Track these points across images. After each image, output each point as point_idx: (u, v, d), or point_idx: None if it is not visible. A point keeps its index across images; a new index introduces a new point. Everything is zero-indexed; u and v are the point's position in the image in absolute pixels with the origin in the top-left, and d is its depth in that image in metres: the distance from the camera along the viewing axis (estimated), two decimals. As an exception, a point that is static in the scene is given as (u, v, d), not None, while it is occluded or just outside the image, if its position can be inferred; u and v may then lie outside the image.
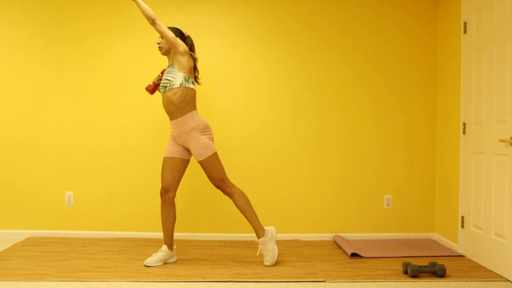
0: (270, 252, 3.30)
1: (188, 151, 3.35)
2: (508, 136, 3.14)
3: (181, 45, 3.20)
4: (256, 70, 4.13)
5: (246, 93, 4.13)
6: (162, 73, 3.37)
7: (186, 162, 3.36)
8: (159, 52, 4.10)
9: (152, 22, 3.10)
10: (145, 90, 4.09)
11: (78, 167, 4.11)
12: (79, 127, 4.11)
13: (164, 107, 3.27)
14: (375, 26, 4.18)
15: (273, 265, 3.34)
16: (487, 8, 3.41)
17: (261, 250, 3.34)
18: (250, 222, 3.31)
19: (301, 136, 4.16)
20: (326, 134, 4.17)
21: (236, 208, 4.10)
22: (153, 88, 3.34)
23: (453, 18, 3.91)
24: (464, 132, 3.70)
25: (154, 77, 3.38)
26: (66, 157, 4.11)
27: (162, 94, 3.25)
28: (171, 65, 3.25)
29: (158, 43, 3.27)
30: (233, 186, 3.32)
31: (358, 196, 4.19)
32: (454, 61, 3.88)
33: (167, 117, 4.10)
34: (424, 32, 4.19)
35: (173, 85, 3.18)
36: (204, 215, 4.14)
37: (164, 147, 4.11)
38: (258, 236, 3.30)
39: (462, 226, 3.69)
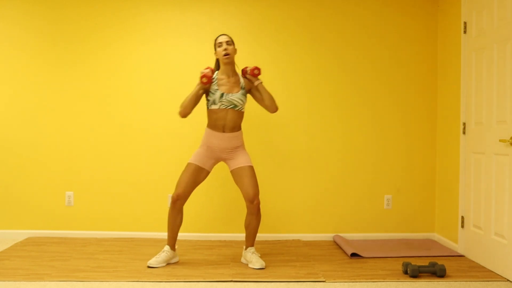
0: (260, 259, 3.31)
1: (214, 165, 3.40)
2: (508, 136, 3.14)
3: None
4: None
5: (246, 93, 4.13)
6: (212, 70, 3.32)
7: (207, 175, 3.39)
8: (160, 52, 4.10)
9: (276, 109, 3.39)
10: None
11: (78, 167, 4.11)
12: (79, 127, 4.11)
13: (220, 119, 3.28)
14: (375, 27, 4.18)
15: (273, 266, 3.33)
16: (487, 8, 3.41)
17: (252, 254, 3.35)
18: (250, 238, 3.35)
19: (300, 136, 4.16)
20: (326, 134, 4.17)
21: (236, 209, 4.10)
22: (211, 81, 3.28)
23: (453, 18, 3.91)
24: (464, 132, 3.70)
25: (206, 70, 3.27)
26: (66, 157, 4.11)
27: (224, 107, 3.27)
28: (244, 89, 3.34)
29: (226, 50, 3.26)
30: None
31: (358, 196, 4.19)
32: (454, 61, 3.88)
33: (168, 117, 4.10)
34: (424, 32, 4.19)
35: (242, 109, 3.35)
36: (204, 215, 4.14)
37: (165, 147, 4.11)
38: (248, 247, 3.39)
39: (462, 226, 3.69)
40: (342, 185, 4.18)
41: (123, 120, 4.12)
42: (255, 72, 3.35)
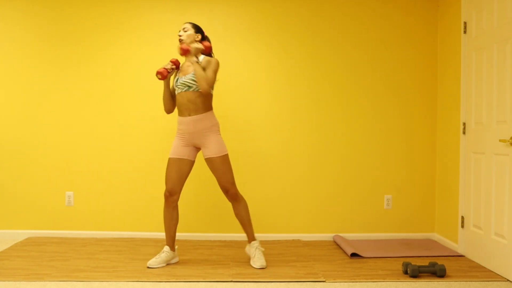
0: (262, 257, 3.32)
1: (195, 152, 3.35)
2: (508, 136, 3.14)
3: (218, 67, 3.28)
4: (256, 70, 4.13)
5: (246, 93, 4.13)
6: (174, 62, 3.36)
7: (192, 164, 3.35)
8: (160, 52, 4.10)
9: (208, 89, 3.18)
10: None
11: (78, 167, 4.11)
12: (79, 127, 4.11)
13: (182, 104, 3.26)
14: (375, 26, 4.18)
15: (273, 266, 3.33)
16: (487, 8, 3.41)
17: (255, 250, 3.35)
18: (247, 230, 3.34)
19: (301, 136, 4.16)
20: (326, 134, 4.17)
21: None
22: (167, 75, 3.31)
23: (453, 18, 3.91)
24: (464, 132, 3.70)
25: (166, 64, 3.39)
26: (66, 157, 4.11)
27: (181, 91, 3.26)
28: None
29: (180, 37, 3.29)
30: (239, 193, 3.33)
31: (358, 196, 4.19)
32: (454, 61, 3.88)
33: (168, 117, 4.10)
34: (424, 32, 4.19)
35: (199, 89, 3.24)
36: (204, 215, 4.14)
37: (165, 147, 4.11)
38: (251, 241, 3.37)
39: (462, 226, 3.69)
40: (342, 185, 4.18)
41: (123, 120, 4.12)
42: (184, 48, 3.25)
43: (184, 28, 3.33)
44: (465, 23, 3.69)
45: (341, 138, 4.18)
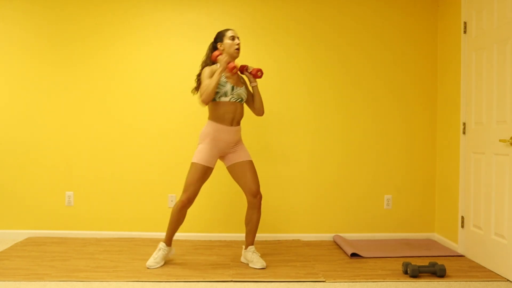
0: (260, 259, 3.32)
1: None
2: (508, 136, 3.14)
3: None
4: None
5: (246, 93, 4.13)
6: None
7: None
8: (160, 52, 4.10)
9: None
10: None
11: (78, 167, 4.11)
12: (79, 127, 4.11)
13: (229, 112, 3.23)
14: (375, 26, 4.18)
15: (273, 266, 3.34)
16: (487, 8, 3.41)
17: (252, 254, 3.35)
18: (251, 236, 3.35)
19: (301, 136, 4.16)
20: (326, 134, 4.17)
21: (236, 208, 4.10)
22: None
23: (453, 18, 3.91)
24: (464, 132, 3.70)
25: (225, 57, 3.20)
26: (66, 157, 4.11)
27: (234, 101, 3.25)
28: (245, 84, 3.39)
29: (239, 45, 3.28)
30: None
31: (358, 196, 4.19)
32: (454, 61, 3.88)
33: (168, 117, 4.10)
34: (424, 32, 4.20)
35: (245, 101, 3.38)
36: (204, 215, 4.14)
37: (165, 146, 4.11)
38: (248, 246, 3.39)
39: (462, 226, 3.69)
40: (342, 185, 4.18)
41: (123, 120, 4.12)
42: (258, 74, 3.35)
43: (238, 38, 3.30)
44: (465, 23, 3.70)
45: (341, 137, 4.18)
